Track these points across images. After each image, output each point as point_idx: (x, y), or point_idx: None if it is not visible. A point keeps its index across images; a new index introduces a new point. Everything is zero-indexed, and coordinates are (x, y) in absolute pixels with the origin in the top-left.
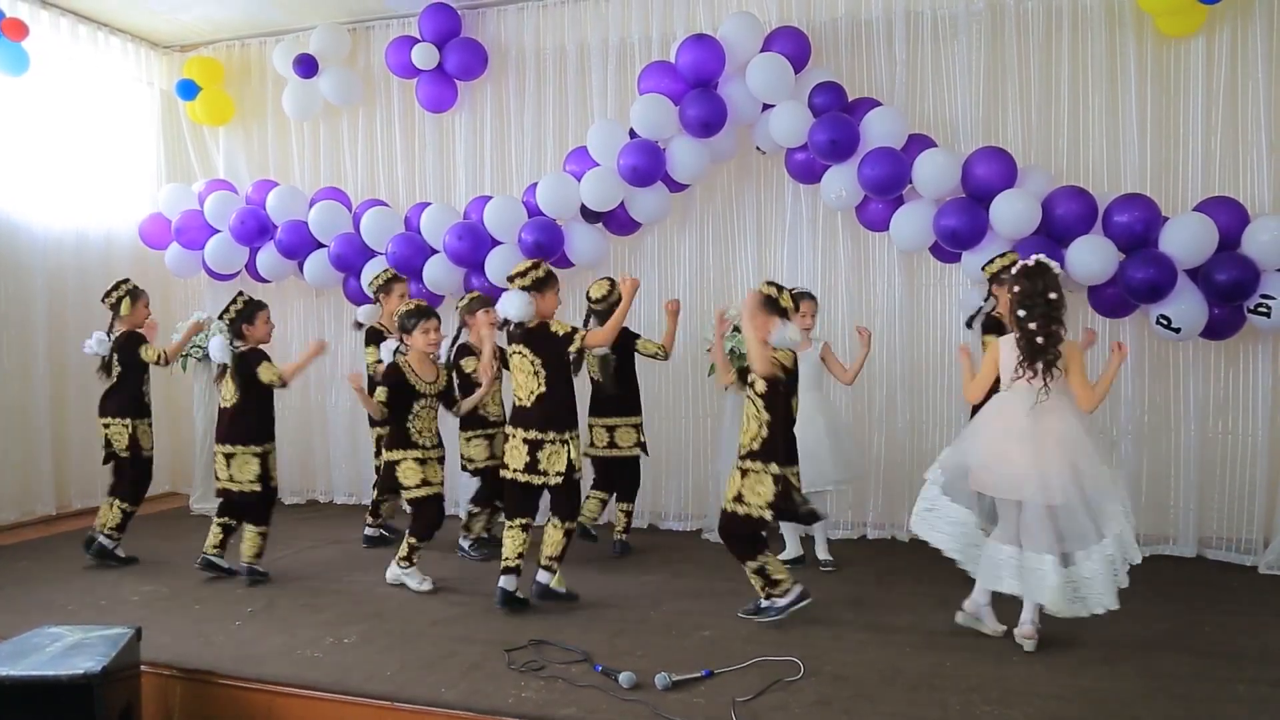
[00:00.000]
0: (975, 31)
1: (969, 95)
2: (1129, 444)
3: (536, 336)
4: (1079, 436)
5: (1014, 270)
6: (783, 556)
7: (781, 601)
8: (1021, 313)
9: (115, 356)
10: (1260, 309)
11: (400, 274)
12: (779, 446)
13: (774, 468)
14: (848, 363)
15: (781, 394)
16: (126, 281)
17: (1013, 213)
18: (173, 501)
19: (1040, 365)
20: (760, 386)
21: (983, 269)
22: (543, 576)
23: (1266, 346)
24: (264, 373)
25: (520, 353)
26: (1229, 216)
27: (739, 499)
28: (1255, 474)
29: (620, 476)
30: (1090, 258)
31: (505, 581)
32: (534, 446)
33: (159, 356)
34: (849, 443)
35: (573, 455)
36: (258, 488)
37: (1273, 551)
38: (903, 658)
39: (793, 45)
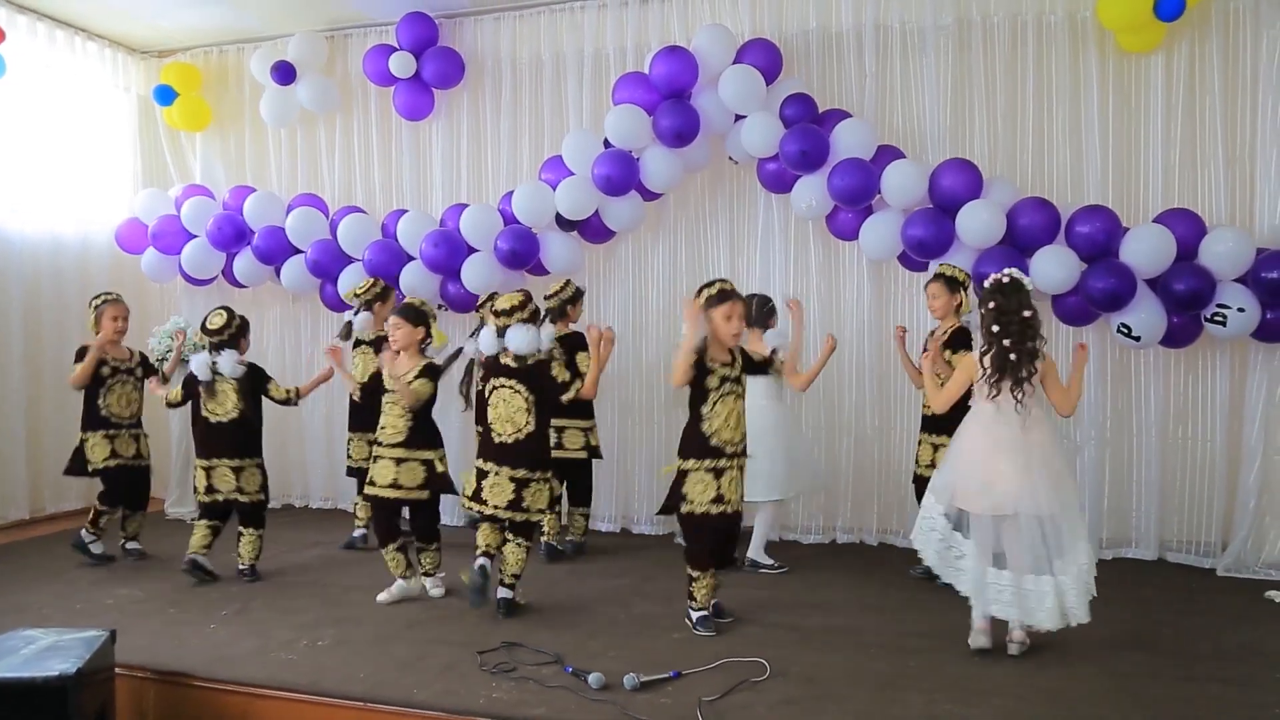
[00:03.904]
0: (943, 45)
1: (936, 107)
2: (1091, 449)
3: (535, 374)
4: (1057, 448)
5: (987, 285)
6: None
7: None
8: (995, 329)
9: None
10: (1217, 318)
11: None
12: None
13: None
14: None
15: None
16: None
17: (978, 223)
18: (148, 506)
19: (1011, 381)
20: (744, 382)
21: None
22: (505, 593)
23: (1224, 354)
24: (275, 390)
25: (511, 387)
26: (1187, 228)
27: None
28: (1214, 478)
29: (570, 480)
30: (1053, 267)
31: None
32: (521, 485)
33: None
34: (808, 451)
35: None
36: (262, 496)
37: (1230, 554)
38: (868, 659)
39: (764, 57)
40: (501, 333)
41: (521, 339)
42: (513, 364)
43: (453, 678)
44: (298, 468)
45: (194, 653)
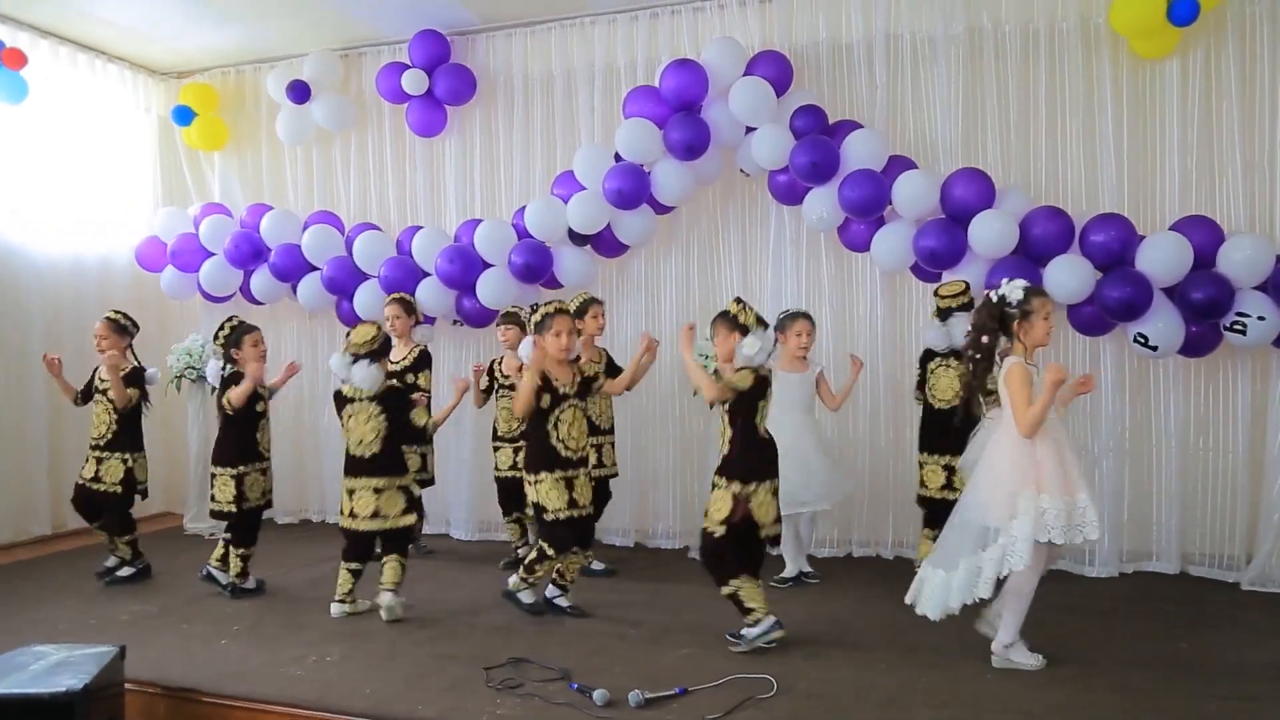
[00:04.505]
0: (954, 54)
1: (948, 117)
2: (1110, 461)
3: None
4: (999, 457)
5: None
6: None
7: (752, 631)
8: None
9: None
10: (1236, 326)
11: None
12: (737, 463)
13: (735, 486)
14: (836, 390)
15: (743, 409)
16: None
17: (991, 233)
18: (167, 521)
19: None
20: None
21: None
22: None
23: (1244, 363)
24: (224, 398)
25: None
26: (1204, 235)
27: (706, 514)
28: (1236, 490)
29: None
30: (1067, 277)
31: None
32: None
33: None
34: (834, 465)
35: (538, 497)
36: (233, 509)
37: (1254, 568)
38: (877, 675)
39: (774, 69)
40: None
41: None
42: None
43: (458, 694)
44: (314, 481)
45: (204, 668)
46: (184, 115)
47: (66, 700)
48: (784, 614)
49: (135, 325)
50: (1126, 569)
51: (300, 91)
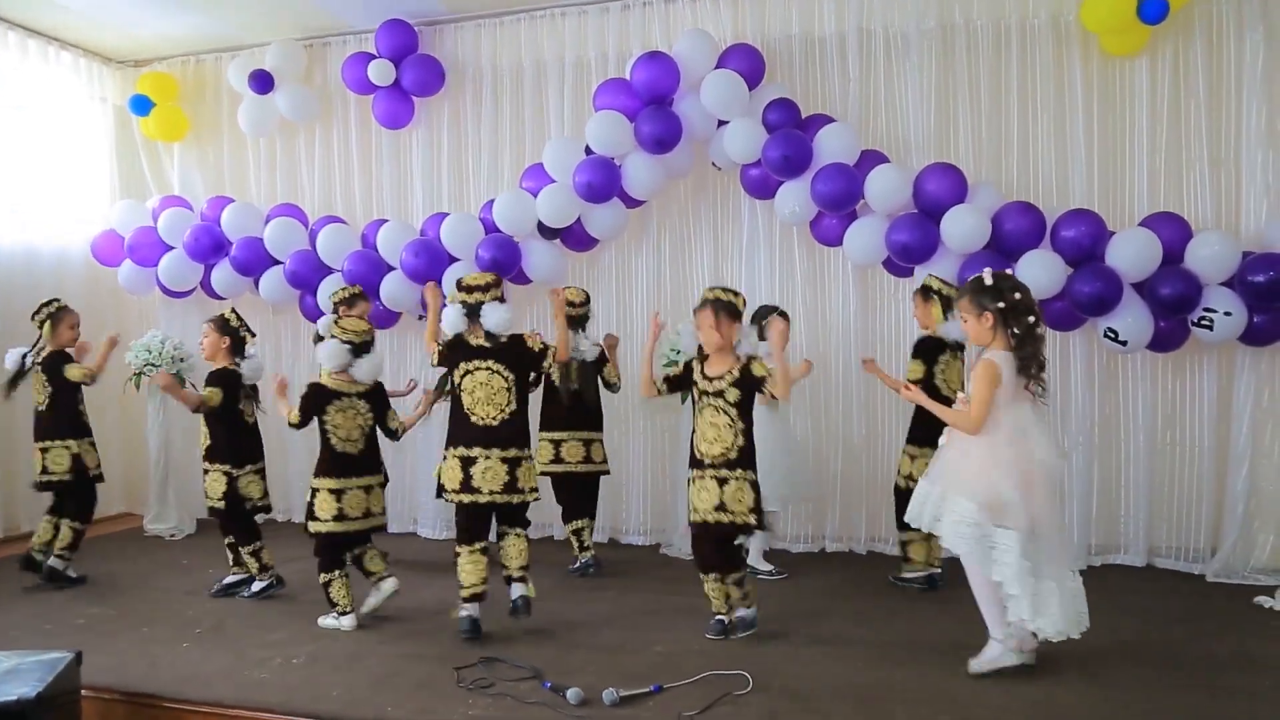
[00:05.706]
0: (926, 49)
1: (920, 112)
2: (1079, 455)
3: (511, 350)
4: None
5: (998, 281)
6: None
7: (750, 612)
8: (1031, 320)
9: (45, 378)
10: (1203, 322)
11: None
12: (754, 454)
13: (753, 475)
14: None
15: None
16: (51, 302)
17: (963, 228)
18: (126, 523)
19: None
20: (734, 396)
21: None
22: (520, 590)
23: (1211, 358)
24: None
25: (491, 368)
26: (1172, 231)
27: (721, 508)
28: (1202, 484)
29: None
30: (1038, 272)
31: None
32: (514, 464)
33: (86, 375)
34: (803, 462)
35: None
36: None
37: (1219, 560)
38: (853, 671)
39: (747, 62)
40: (474, 311)
41: (497, 317)
42: (486, 344)
43: (428, 695)
44: (279, 481)
45: (164, 672)
46: (142, 105)
47: (18, 709)
48: (759, 610)
49: (36, 313)
50: (1095, 562)
51: (262, 81)
